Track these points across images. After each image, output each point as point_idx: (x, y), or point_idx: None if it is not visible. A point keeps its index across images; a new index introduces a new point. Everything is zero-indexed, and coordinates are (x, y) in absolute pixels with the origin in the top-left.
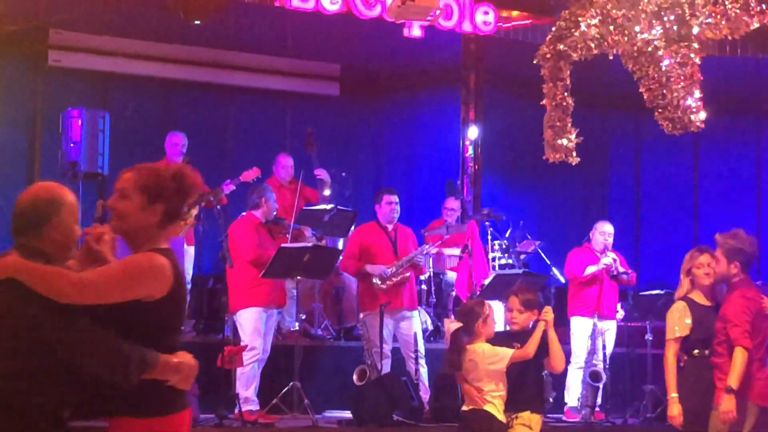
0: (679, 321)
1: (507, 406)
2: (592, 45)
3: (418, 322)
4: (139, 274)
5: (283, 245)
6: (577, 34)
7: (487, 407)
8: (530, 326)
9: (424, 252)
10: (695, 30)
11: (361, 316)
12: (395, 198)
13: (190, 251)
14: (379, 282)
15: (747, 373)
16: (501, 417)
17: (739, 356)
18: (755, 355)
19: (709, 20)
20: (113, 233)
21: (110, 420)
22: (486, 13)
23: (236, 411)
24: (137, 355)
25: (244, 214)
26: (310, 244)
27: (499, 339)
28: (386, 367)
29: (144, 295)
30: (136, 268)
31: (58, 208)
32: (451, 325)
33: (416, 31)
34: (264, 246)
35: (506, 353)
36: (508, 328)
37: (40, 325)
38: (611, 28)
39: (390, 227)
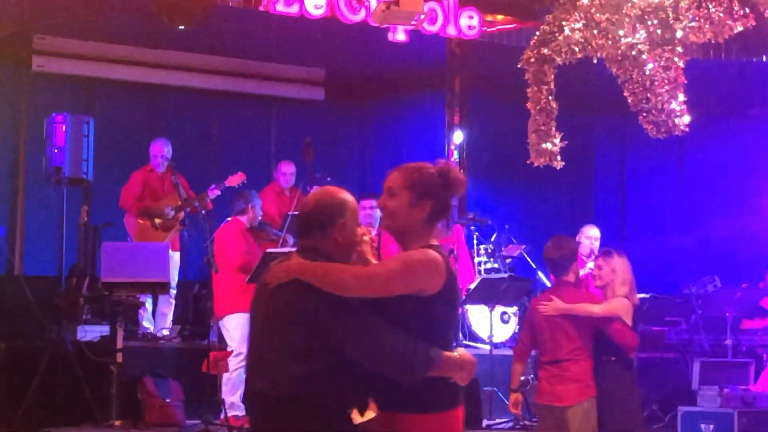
0: None
1: None
2: (576, 49)
3: None
4: (417, 268)
5: (269, 249)
6: (561, 38)
7: None
8: None
9: None
10: (679, 34)
11: None
12: (371, 203)
13: (175, 257)
14: None
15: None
16: None
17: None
18: (542, 357)
19: (693, 24)
20: (386, 230)
21: (390, 414)
22: (470, 17)
23: (222, 416)
24: (422, 353)
25: (229, 219)
26: (294, 249)
27: None
28: None
29: (420, 289)
30: (414, 262)
31: (342, 211)
32: None
33: (401, 36)
34: (251, 252)
35: None
36: None
37: (329, 326)
38: (595, 32)
39: (374, 232)
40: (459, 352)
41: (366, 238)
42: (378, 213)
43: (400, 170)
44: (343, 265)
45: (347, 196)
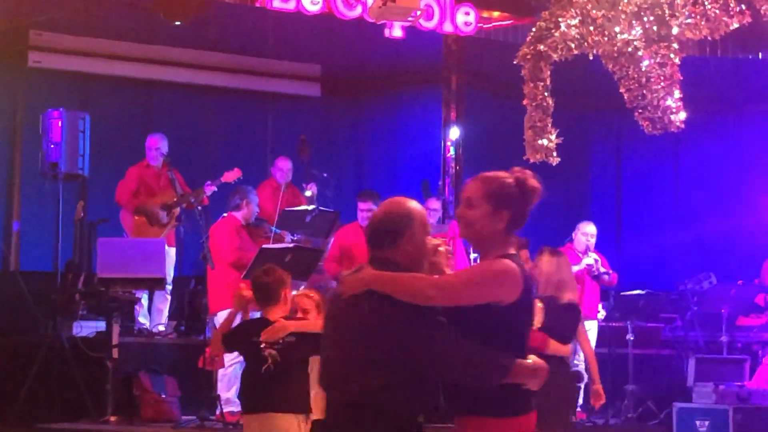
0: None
1: None
2: (572, 45)
3: None
4: (494, 277)
5: (264, 246)
6: (557, 34)
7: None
8: None
9: None
10: (675, 30)
11: None
12: (368, 205)
13: (171, 252)
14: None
15: None
16: None
17: None
18: None
19: (689, 20)
20: (463, 239)
21: (463, 419)
22: (467, 13)
23: (217, 412)
24: (497, 361)
25: (225, 215)
26: (292, 245)
27: None
28: None
29: (496, 298)
30: (491, 271)
31: (411, 222)
32: None
33: (397, 32)
34: (244, 248)
35: None
36: None
37: (403, 336)
38: (591, 28)
39: None
40: (532, 359)
41: (442, 249)
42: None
43: (479, 180)
44: (417, 274)
45: (414, 207)
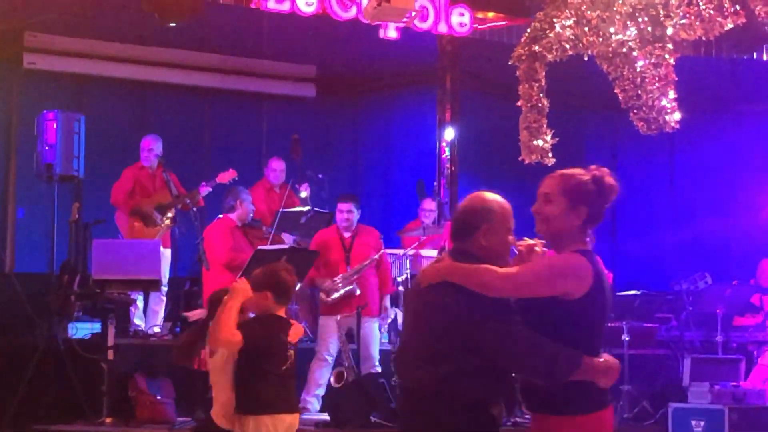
0: None
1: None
2: (567, 46)
3: (376, 327)
4: (561, 271)
5: (260, 247)
6: (552, 35)
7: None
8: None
9: (371, 263)
10: (669, 31)
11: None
12: (348, 206)
13: (166, 254)
14: (325, 296)
15: None
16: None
17: None
18: None
19: (684, 21)
20: (539, 234)
21: (537, 416)
22: (462, 14)
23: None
24: (563, 356)
25: (220, 216)
26: (286, 246)
27: None
28: (327, 375)
29: (563, 292)
30: (558, 265)
31: (488, 216)
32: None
33: (392, 33)
34: (238, 249)
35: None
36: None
37: (474, 327)
38: (586, 29)
39: (347, 234)
40: (604, 357)
41: (537, 249)
42: (354, 216)
43: (555, 177)
44: (489, 266)
45: (494, 201)
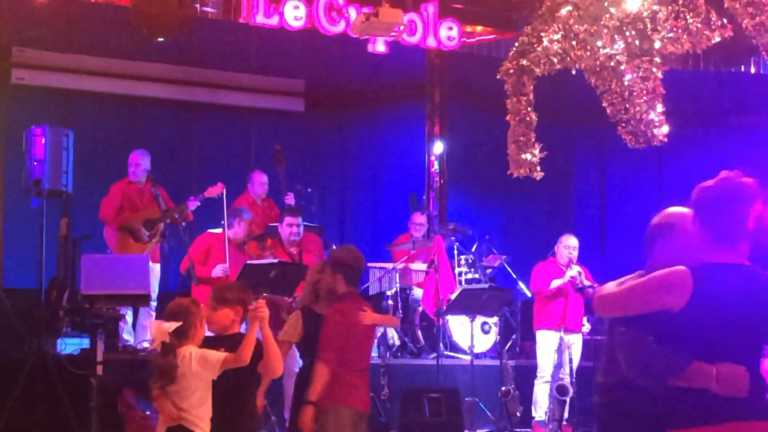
0: (292, 327)
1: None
2: (555, 60)
3: None
4: (657, 286)
5: (248, 261)
6: (539, 49)
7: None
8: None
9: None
10: (657, 44)
11: None
12: (297, 220)
13: (155, 268)
14: (286, 313)
15: (345, 382)
16: None
17: (318, 369)
18: (357, 365)
19: (671, 35)
20: None
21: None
22: (450, 28)
23: None
24: (665, 355)
25: (211, 230)
26: (275, 260)
27: (204, 344)
28: None
29: (662, 307)
30: (654, 281)
31: (669, 230)
32: (165, 325)
33: (381, 47)
34: (214, 263)
35: (218, 358)
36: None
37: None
38: (574, 43)
39: (294, 250)
40: (723, 365)
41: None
42: (300, 230)
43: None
44: (609, 284)
45: (678, 217)
